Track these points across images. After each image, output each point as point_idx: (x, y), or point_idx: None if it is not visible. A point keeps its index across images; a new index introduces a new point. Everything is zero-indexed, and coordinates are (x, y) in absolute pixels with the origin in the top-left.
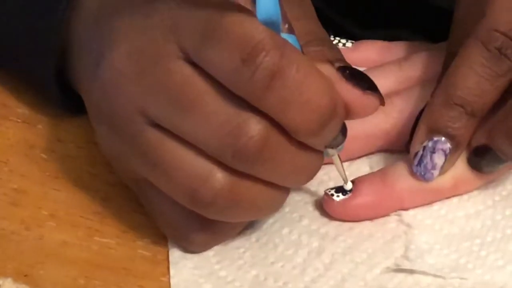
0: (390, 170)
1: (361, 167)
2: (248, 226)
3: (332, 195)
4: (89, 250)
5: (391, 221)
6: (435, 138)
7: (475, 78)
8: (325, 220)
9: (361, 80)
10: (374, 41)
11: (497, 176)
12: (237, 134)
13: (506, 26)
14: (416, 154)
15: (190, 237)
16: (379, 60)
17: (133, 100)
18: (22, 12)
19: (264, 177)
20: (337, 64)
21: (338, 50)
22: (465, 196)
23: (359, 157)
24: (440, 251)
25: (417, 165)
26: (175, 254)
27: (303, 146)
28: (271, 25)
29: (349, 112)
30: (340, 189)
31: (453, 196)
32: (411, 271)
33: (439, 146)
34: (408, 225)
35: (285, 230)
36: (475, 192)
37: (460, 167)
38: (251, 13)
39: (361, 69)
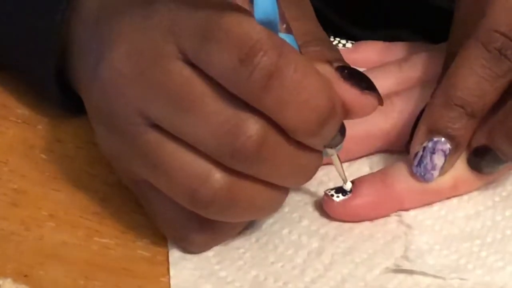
0: (390, 171)
1: (361, 168)
2: (248, 227)
3: (332, 195)
4: (89, 250)
5: (391, 221)
6: (435, 139)
7: (475, 79)
8: (325, 220)
9: (359, 79)
10: (374, 41)
11: (497, 177)
12: (235, 134)
13: (506, 26)
14: (416, 154)
15: (190, 238)
16: (379, 60)
17: (132, 101)
18: (22, 12)
19: (262, 177)
20: (335, 64)
21: (337, 50)
22: (465, 197)
23: (359, 158)
24: (440, 252)
25: (417, 166)
26: (175, 254)
27: (301, 146)
28: (268, 25)
29: (347, 112)
30: (340, 190)
31: (453, 196)
32: (411, 272)
33: (439, 146)
34: (408, 226)
35: (285, 231)
36: (475, 193)
37: (460, 167)
38: (249, 13)
39: (361, 69)
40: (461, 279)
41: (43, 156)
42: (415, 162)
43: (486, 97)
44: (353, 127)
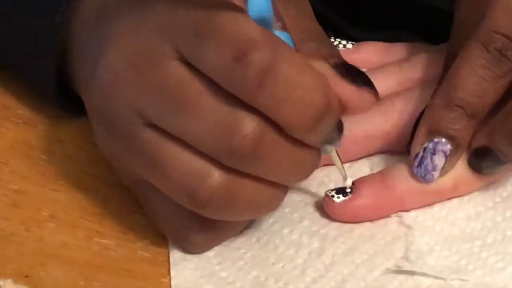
0: (390, 172)
1: (362, 168)
2: (248, 227)
3: (333, 196)
4: (89, 251)
5: (392, 222)
6: (436, 140)
7: (475, 79)
8: (325, 221)
9: (356, 76)
10: (374, 42)
11: (498, 178)
12: (232, 132)
13: (507, 27)
14: (416, 155)
15: (190, 238)
16: (380, 61)
17: (130, 101)
18: (22, 13)
19: (260, 175)
20: (332, 61)
21: (334, 47)
22: (465, 198)
23: (359, 158)
24: (441, 253)
25: (417, 167)
26: (175, 255)
27: (299, 142)
28: (263, 22)
29: (344, 108)
30: (340, 191)
31: (454, 197)
32: (411, 273)
33: (440, 147)
34: (409, 227)
35: (286, 231)
36: (476, 194)
37: (461, 168)
38: (243, 11)
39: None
40: (462, 280)
41: (44, 156)
42: (416, 163)
43: (487, 98)
44: (354, 127)
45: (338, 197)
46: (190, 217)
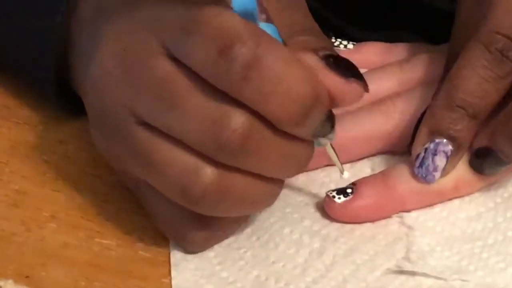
0: (391, 172)
1: (363, 169)
2: (248, 226)
3: (334, 197)
4: (90, 251)
5: (393, 223)
6: (437, 140)
7: (477, 80)
8: (326, 221)
9: (345, 68)
10: (375, 42)
11: (499, 178)
12: (220, 128)
13: (508, 28)
14: (417, 156)
15: (189, 236)
16: (381, 61)
17: (121, 99)
18: (22, 13)
19: (252, 170)
20: (322, 53)
21: (325, 39)
22: (466, 198)
23: (360, 159)
24: (442, 253)
25: (418, 167)
26: (176, 255)
27: (289, 136)
28: (247, 16)
29: (333, 101)
30: (341, 191)
31: (455, 198)
32: (412, 273)
33: (441, 148)
34: (410, 227)
35: (286, 230)
36: (477, 194)
37: (462, 169)
38: (227, 5)
39: (362, 70)
40: (463, 280)
41: (44, 157)
42: (417, 164)
43: (488, 99)
44: (355, 128)
45: (339, 198)
46: (188, 215)
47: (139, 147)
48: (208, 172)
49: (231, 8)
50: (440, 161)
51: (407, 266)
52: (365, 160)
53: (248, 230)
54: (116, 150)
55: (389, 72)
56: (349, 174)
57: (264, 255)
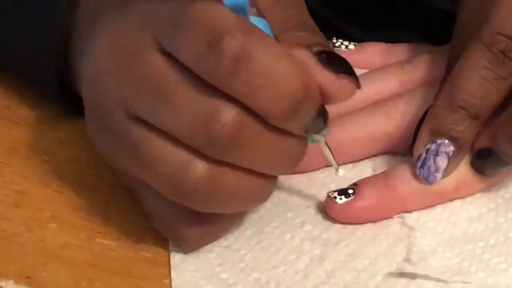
0: (393, 173)
1: (364, 169)
2: (248, 228)
3: (335, 197)
4: (91, 252)
5: (394, 223)
6: (439, 141)
7: (478, 81)
8: (327, 224)
9: (337, 64)
10: (376, 43)
11: (500, 179)
12: (210, 122)
13: (510, 29)
14: (419, 156)
15: (183, 233)
16: (382, 62)
17: (114, 94)
18: (22, 13)
19: (243, 165)
20: (315, 49)
21: (320, 34)
22: (468, 199)
23: (362, 159)
24: (443, 254)
25: (420, 168)
26: (176, 256)
27: (281, 131)
28: (238, 9)
29: (325, 97)
30: (342, 192)
31: (456, 198)
32: (413, 276)
33: (442, 149)
34: (411, 228)
35: (287, 236)
36: (478, 195)
37: (463, 170)
38: None
39: (363, 71)
40: (464, 282)
41: (45, 157)
42: (418, 164)
43: (490, 99)
44: (356, 128)
45: (341, 198)
46: (182, 212)
47: (131, 141)
48: (199, 166)
49: (222, 3)
50: (442, 162)
51: (408, 268)
52: (366, 161)
53: (248, 233)
54: (109, 145)
55: (390, 73)
56: (345, 171)
57: (265, 259)
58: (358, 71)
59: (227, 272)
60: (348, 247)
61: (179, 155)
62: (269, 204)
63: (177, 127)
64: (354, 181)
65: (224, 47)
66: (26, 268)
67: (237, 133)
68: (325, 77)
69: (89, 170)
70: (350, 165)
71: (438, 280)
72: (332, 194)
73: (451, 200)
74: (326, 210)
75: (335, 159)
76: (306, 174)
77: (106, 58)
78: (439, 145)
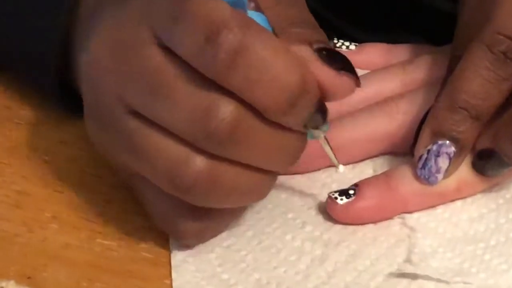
0: (394, 173)
1: (365, 170)
2: (249, 229)
3: (336, 198)
4: (92, 252)
5: (395, 224)
6: (440, 142)
7: (479, 82)
8: (328, 225)
9: (337, 61)
10: (377, 43)
11: (501, 180)
12: (208, 117)
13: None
14: (420, 157)
15: (182, 228)
16: (383, 62)
17: (112, 88)
18: (22, 13)
19: (241, 160)
20: (315, 45)
21: (321, 32)
22: (469, 200)
23: (363, 160)
24: (444, 255)
25: (421, 169)
26: (176, 257)
27: (279, 126)
28: (236, 4)
29: (324, 93)
30: (343, 192)
31: (457, 199)
32: (414, 276)
33: (444, 149)
34: (412, 228)
35: (288, 236)
36: (479, 196)
37: (464, 170)
38: None
39: (365, 71)
40: (465, 283)
41: (46, 157)
42: (420, 165)
43: (491, 100)
44: (357, 129)
45: (341, 199)
46: (181, 207)
47: (129, 136)
48: (198, 161)
49: None
50: (443, 162)
51: (409, 269)
52: (367, 161)
53: (249, 234)
54: (108, 140)
55: (392, 73)
56: (345, 172)
57: (266, 259)
58: (359, 72)
59: (228, 272)
60: (349, 248)
61: (178, 150)
62: (270, 204)
63: (175, 121)
64: (355, 181)
65: (221, 41)
66: (27, 268)
67: (235, 128)
68: (325, 74)
69: (89, 170)
70: (351, 165)
71: (439, 280)
72: (333, 194)
73: (452, 200)
74: (327, 210)
75: (334, 155)
76: (307, 175)
77: (105, 52)
78: (440, 145)
